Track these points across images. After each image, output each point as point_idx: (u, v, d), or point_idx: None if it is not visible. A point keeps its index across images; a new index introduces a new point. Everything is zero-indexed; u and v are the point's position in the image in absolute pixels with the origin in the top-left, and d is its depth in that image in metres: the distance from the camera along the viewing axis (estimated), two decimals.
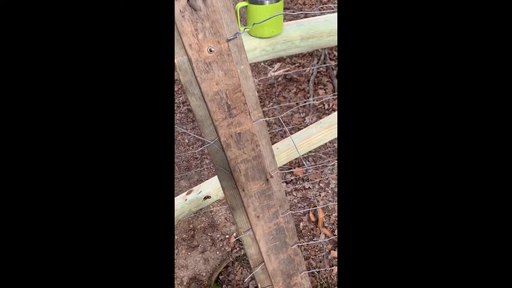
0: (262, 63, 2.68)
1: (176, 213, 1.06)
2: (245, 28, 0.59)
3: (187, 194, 1.08)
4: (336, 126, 1.01)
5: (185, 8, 0.49)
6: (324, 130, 1.00)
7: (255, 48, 0.62)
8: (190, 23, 0.50)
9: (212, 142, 0.61)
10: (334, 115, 1.01)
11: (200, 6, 0.50)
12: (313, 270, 1.18)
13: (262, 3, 0.56)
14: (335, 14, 0.65)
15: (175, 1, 0.48)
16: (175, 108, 2.23)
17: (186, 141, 1.95)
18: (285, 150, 1.00)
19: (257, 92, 2.08)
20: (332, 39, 0.67)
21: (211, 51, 0.52)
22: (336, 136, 1.01)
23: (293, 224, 0.81)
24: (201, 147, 1.82)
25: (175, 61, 0.53)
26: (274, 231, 0.72)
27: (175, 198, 1.07)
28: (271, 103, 2.22)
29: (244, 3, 0.58)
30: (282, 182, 1.63)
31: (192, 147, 1.89)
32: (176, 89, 2.39)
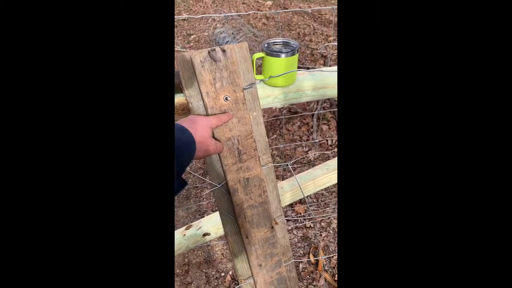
0: None
1: None
2: (261, 80, 0.60)
3: (185, 229, 1.05)
4: None
5: (206, 59, 0.51)
6: (330, 173, 0.99)
7: (268, 96, 0.63)
8: (209, 73, 0.51)
9: (219, 186, 0.60)
10: None
11: (220, 57, 0.52)
12: None
13: (278, 55, 0.59)
14: None
15: (197, 53, 0.50)
16: None
17: (188, 168, 1.93)
18: (290, 190, 0.98)
19: None
20: None
21: (227, 99, 0.54)
22: None
23: (295, 273, 0.78)
24: (209, 190, 1.80)
25: (190, 105, 0.54)
26: (276, 281, 0.68)
27: None
28: (275, 135, 2.24)
29: (261, 54, 0.60)
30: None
31: (194, 176, 1.87)
32: None
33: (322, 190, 1.70)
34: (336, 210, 1.57)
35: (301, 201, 1.64)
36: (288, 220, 1.54)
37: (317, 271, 1.29)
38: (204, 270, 1.31)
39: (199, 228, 1.04)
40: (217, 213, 1.05)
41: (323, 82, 0.67)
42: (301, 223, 1.53)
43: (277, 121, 2.36)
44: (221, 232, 1.03)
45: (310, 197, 1.67)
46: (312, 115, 2.38)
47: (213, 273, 1.30)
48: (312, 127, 2.26)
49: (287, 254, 0.73)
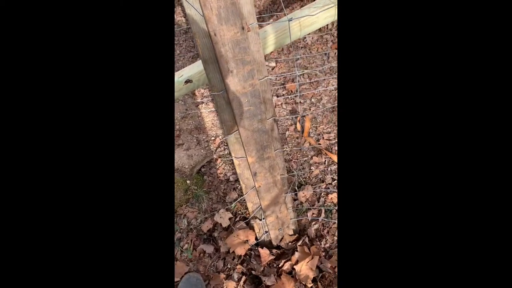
0: None
1: None
2: None
3: None
4: (334, 7, 0.91)
5: None
6: (316, 11, 0.91)
7: None
8: None
9: None
10: None
11: None
12: (294, 171, 1.21)
13: None
14: None
15: None
16: None
17: (178, 52, 1.85)
18: (274, 32, 0.92)
19: None
20: None
21: None
22: (331, 20, 0.92)
23: (271, 95, 0.79)
24: None
25: None
26: (249, 94, 0.69)
27: None
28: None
29: None
30: (273, 96, 1.58)
31: (184, 58, 1.81)
32: None
33: (315, 70, 1.64)
34: (328, 88, 1.55)
35: (293, 80, 1.61)
36: (278, 96, 1.54)
37: (303, 136, 1.35)
38: (195, 135, 1.38)
39: (181, 76, 1.03)
40: (199, 62, 1.03)
41: None
42: (291, 99, 1.53)
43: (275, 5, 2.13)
44: (203, 79, 1.03)
45: (304, 77, 1.63)
46: None
47: (204, 137, 1.37)
48: None
49: (261, 72, 0.72)
